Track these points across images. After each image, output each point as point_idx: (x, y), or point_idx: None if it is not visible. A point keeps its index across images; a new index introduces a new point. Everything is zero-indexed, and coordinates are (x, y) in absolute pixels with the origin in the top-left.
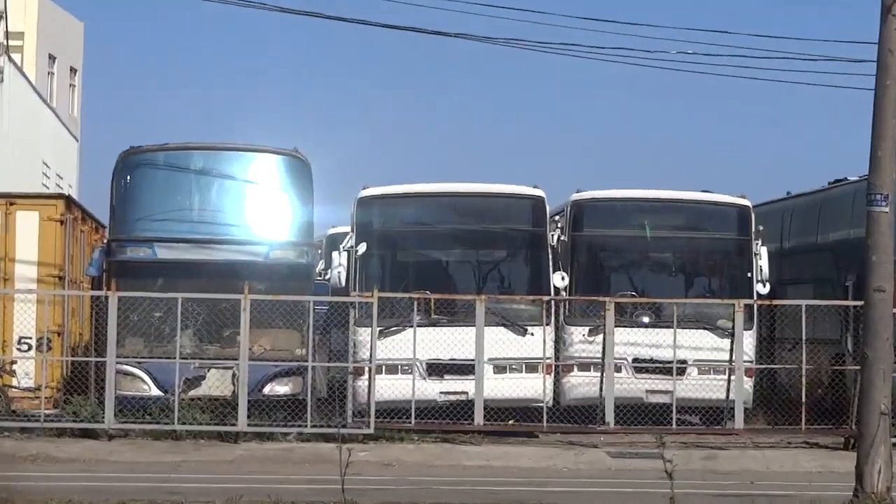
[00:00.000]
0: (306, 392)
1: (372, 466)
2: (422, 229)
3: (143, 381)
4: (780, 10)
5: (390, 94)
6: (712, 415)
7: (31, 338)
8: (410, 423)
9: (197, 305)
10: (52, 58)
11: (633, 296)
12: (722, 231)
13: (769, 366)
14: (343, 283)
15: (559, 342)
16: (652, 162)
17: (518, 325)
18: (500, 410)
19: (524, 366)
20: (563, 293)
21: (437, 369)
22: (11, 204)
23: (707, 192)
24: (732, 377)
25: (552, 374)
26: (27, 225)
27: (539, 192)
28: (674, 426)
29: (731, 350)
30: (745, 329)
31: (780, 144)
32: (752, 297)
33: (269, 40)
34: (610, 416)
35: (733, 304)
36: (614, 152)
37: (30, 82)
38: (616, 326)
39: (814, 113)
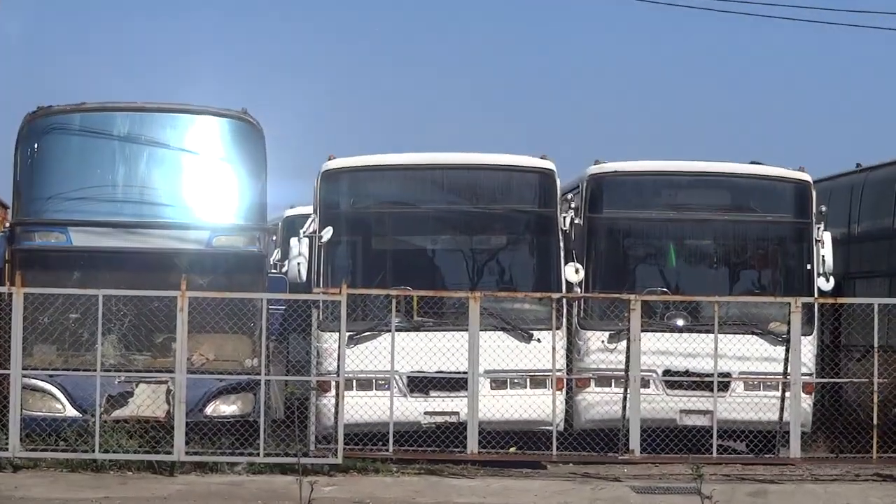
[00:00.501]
0: (258, 412)
1: None
2: (402, 210)
3: (55, 398)
4: None
5: (360, 46)
6: (762, 440)
7: None
8: (388, 450)
9: (123, 304)
10: None
11: (664, 293)
12: (775, 212)
13: (833, 380)
14: (304, 278)
15: (572, 350)
16: (681, 130)
17: (521, 329)
18: (500, 435)
19: (529, 380)
20: (578, 289)
21: (420, 384)
22: None
23: (757, 163)
24: (787, 394)
25: (563, 390)
26: None
27: (548, 164)
28: (714, 454)
29: (786, 360)
30: (803, 334)
31: (843, 107)
32: (812, 295)
33: None
34: (635, 443)
35: (789, 303)
36: (635, 117)
37: None
38: (643, 331)
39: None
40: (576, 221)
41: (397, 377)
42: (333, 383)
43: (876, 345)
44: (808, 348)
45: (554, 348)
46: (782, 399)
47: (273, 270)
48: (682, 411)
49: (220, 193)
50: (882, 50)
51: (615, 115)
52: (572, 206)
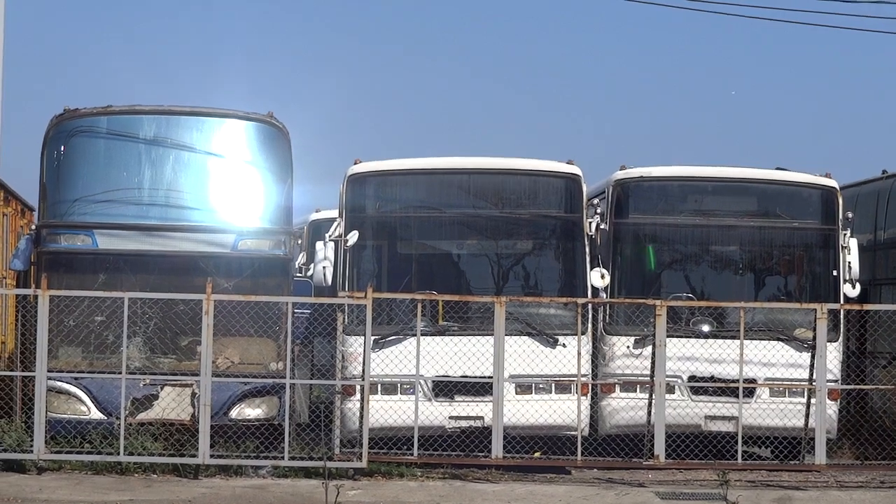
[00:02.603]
0: (283, 416)
1: None
2: (427, 214)
3: (81, 401)
4: None
5: (387, 49)
6: (787, 447)
7: None
8: (413, 454)
9: (148, 307)
10: None
11: (689, 298)
12: (802, 218)
13: (859, 386)
14: (329, 281)
15: (597, 356)
16: (707, 136)
17: (547, 335)
18: (524, 440)
19: (554, 385)
20: (603, 295)
21: (445, 389)
22: None
23: (782, 169)
24: (813, 400)
25: (588, 396)
26: None
27: (574, 170)
28: (739, 461)
29: (812, 367)
30: (829, 340)
31: (870, 113)
32: (838, 301)
33: None
34: (660, 448)
35: (815, 310)
36: (662, 123)
37: None
38: (668, 336)
39: None
40: (601, 227)
41: (422, 381)
42: (358, 387)
43: None
44: (833, 354)
45: (579, 353)
46: (807, 405)
47: (298, 274)
48: (707, 417)
49: (245, 197)
50: None
51: (642, 120)
52: (598, 211)
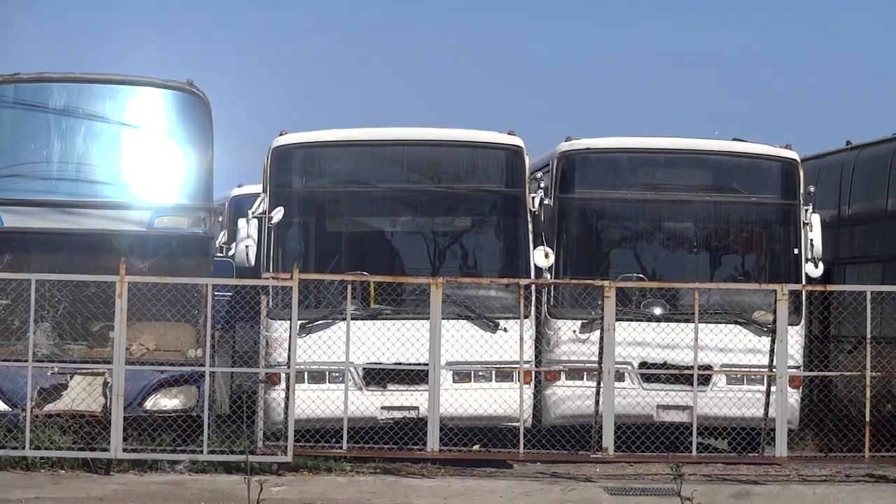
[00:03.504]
0: (202, 407)
1: None
2: (358, 189)
3: None
4: None
5: (317, 14)
6: (745, 438)
7: None
8: (342, 447)
9: (57, 290)
10: None
11: (640, 279)
12: (760, 192)
13: (822, 373)
14: (252, 262)
15: (541, 341)
16: (658, 107)
17: (487, 318)
18: (462, 432)
19: (494, 372)
20: (547, 275)
21: (377, 377)
22: None
23: (740, 140)
24: (773, 388)
25: (532, 384)
26: None
27: (516, 141)
28: (694, 453)
29: (772, 352)
30: (790, 324)
31: (832, 81)
32: (799, 281)
33: None
34: (609, 440)
35: (775, 291)
36: (610, 93)
37: None
38: (618, 320)
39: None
40: (545, 202)
41: (352, 369)
42: (283, 375)
43: (868, 335)
44: (795, 339)
45: (522, 338)
46: (767, 394)
47: (219, 254)
48: (659, 406)
49: (162, 171)
50: (874, 18)
51: (588, 88)
52: (542, 185)
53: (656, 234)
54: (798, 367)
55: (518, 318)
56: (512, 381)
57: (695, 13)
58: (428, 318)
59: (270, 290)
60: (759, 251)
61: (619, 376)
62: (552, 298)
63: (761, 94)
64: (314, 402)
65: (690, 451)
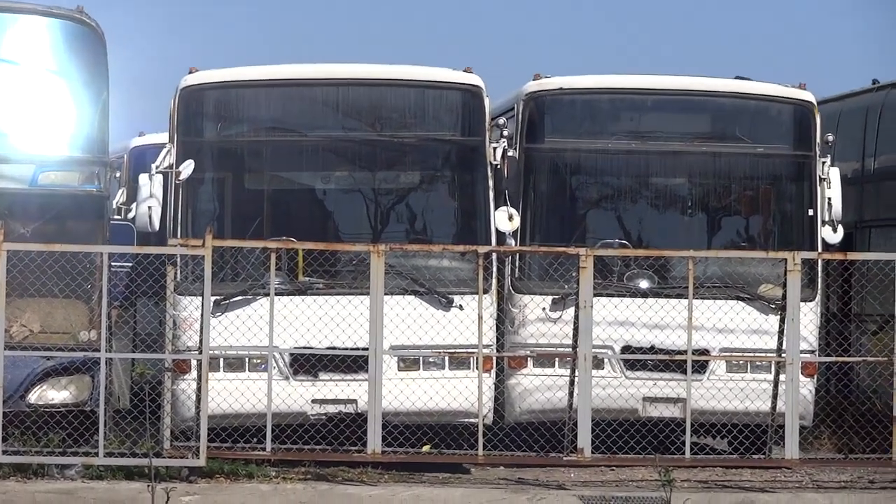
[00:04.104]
0: (97, 400)
1: None
2: (284, 138)
3: None
4: None
5: None
6: (749, 437)
7: None
8: (265, 449)
9: None
10: None
11: (623, 246)
12: (768, 142)
13: (842, 359)
14: (156, 226)
15: (504, 321)
16: (645, 40)
17: (439, 294)
18: (410, 430)
19: (448, 359)
20: (512, 241)
21: (307, 364)
22: None
23: (743, 78)
24: (782, 377)
25: (493, 373)
26: None
27: (474, 79)
28: (687, 455)
29: (781, 333)
30: (803, 299)
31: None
32: (815, 248)
33: None
34: (585, 440)
35: (785, 260)
36: (586, 21)
37: None
38: (596, 295)
39: None
40: (509, 154)
41: (277, 355)
42: (195, 362)
43: None
44: (809, 318)
45: (480, 317)
46: (776, 384)
47: (117, 216)
48: (645, 399)
49: (47, 117)
50: None
51: (561, 19)
52: (505, 133)
53: (643, 191)
54: (812, 352)
55: (476, 293)
56: (469, 368)
57: None
58: (368, 294)
59: (178, 259)
60: (767, 213)
61: (598, 363)
62: (517, 269)
63: (769, 23)
64: (231, 394)
65: (683, 453)
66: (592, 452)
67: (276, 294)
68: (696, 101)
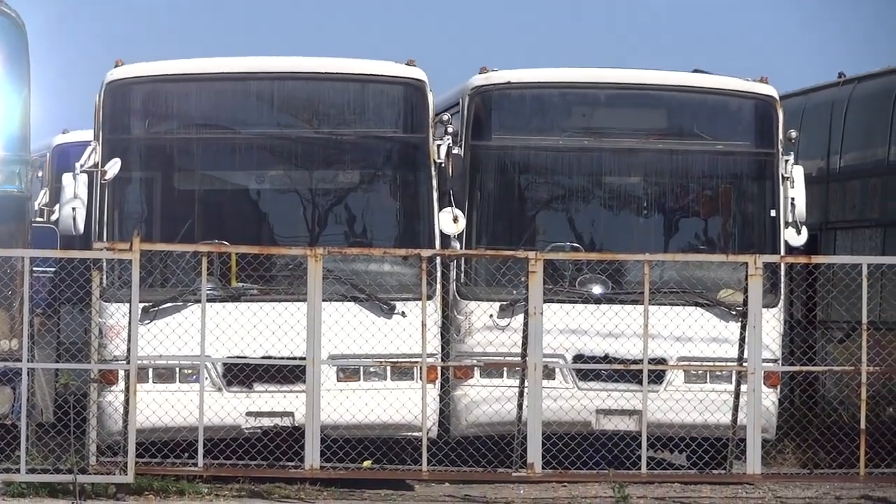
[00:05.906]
0: (19, 413)
1: None
2: (216, 136)
3: None
4: None
5: None
6: (709, 451)
7: None
8: (196, 464)
9: None
10: None
11: (575, 249)
12: (728, 138)
13: (806, 368)
14: (81, 228)
15: (450, 328)
16: (596, 34)
17: (380, 300)
18: (350, 444)
19: (390, 369)
20: (457, 245)
21: (241, 375)
22: None
23: (701, 72)
24: (744, 387)
25: (437, 384)
26: None
27: (416, 73)
28: (644, 470)
29: (742, 341)
30: (765, 305)
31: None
32: (777, 251)
33: None
34: (535, 454)
35: (746, 263)
36: (535, 15)
37: None
38: (546, 301)
39: None
40: (454, 151)
41: (209, 364)
42: (122, 373)
43: (864, 320)
44: (771, 325)
45: (424, 325)
46: (737, 395)
47: (39, 219)
48: (599, 411)
49: None
50: None
51: (508, 11)
52: (449, 130)
53: (596, 191)
54: (775, 361)
55: (419, 299)
56: (412, 379)
57: None
58: (305, 300)
59: (104, 264)
60: (727, 213)
61: (549, 373)
62: (463, 274)
63: (730, 14)
64: (161, 406)
65: (639, 468)
66: (543, 468)
67: (208, 300)
68: (652, 95)
